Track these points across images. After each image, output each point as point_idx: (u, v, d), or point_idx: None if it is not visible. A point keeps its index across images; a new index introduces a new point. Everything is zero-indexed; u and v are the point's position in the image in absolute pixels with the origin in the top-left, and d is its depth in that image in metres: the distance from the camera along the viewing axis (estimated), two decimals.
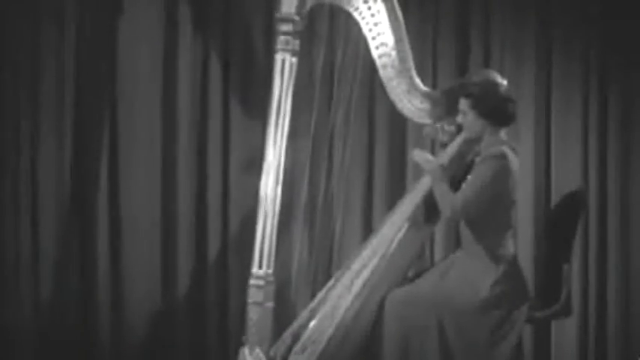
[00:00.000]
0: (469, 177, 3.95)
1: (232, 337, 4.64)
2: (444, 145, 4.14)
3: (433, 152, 4.31)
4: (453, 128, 4.11)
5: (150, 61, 4.71)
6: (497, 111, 3.95)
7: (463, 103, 3.97)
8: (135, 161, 4.71)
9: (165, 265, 4.75)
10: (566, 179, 5.12)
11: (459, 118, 4.00)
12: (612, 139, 5.20)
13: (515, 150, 3.98)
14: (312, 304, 4.00)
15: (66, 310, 4.62)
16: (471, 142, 4.05)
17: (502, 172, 3.89)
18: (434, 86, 4.55)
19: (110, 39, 4.66)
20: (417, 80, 4.08)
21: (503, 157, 3.89)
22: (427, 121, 4.12)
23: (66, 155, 4.61)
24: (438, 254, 4.98)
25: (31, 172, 4.58)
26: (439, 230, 4.89)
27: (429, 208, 4.05)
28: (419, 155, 4.03)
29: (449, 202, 3.90)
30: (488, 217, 3.93)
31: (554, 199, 5.07)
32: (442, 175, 3.94)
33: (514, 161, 3.93)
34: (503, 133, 3.99)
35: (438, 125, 4.11)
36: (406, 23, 4.05)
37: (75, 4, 4.60)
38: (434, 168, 3.97)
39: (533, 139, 5.13)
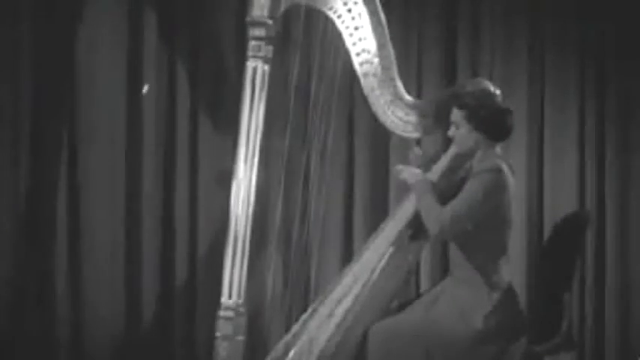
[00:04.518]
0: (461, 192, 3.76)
1: None
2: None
3: None
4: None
5: (112, 70, 4.61)
6: (494, 124, 3.77)
7: (456, 115, 3.79)
8: (96, 178, 4.58)
9: (129, 293, 4.63)
10: (560, 200, 5.06)
11: (451, 132, 3.82)
12: (610, 156, 5.12)
13: (512, 167, 3.82)
14: (288, 337, 3.87)
15: (21, 340, 4.46)
16: (463, 157, 3.88)
17: (497, 186, 3.71)
18: (419, 96, 4.48)
19: (69, 47, 4.53)
20: (402, 90, 3.95)
21: (498, 170, 3.71)
22: (412, 134, 4.00)
23: (22, 171, 4.47)
24: (424, 282, 4.88)
25: None
26: (425, 258, 4.81)
27: (415, 230, 3.90)
28: (402, 170, 3.88)
29: (436, 217, 3.72)
30: (481, 238, 3.74)
31: (548, 221, 5.00)
32: (428, 188, 3.77)
33: (510, 177, 3.76)
34: (498, 148, 3.82)
35: (418, 151, 4.04)
36: (389, 28, 3.94)
37: (31, 12, 4.48)
38: (419, 180, 3.81)
39: (525, 155, 5.06)
